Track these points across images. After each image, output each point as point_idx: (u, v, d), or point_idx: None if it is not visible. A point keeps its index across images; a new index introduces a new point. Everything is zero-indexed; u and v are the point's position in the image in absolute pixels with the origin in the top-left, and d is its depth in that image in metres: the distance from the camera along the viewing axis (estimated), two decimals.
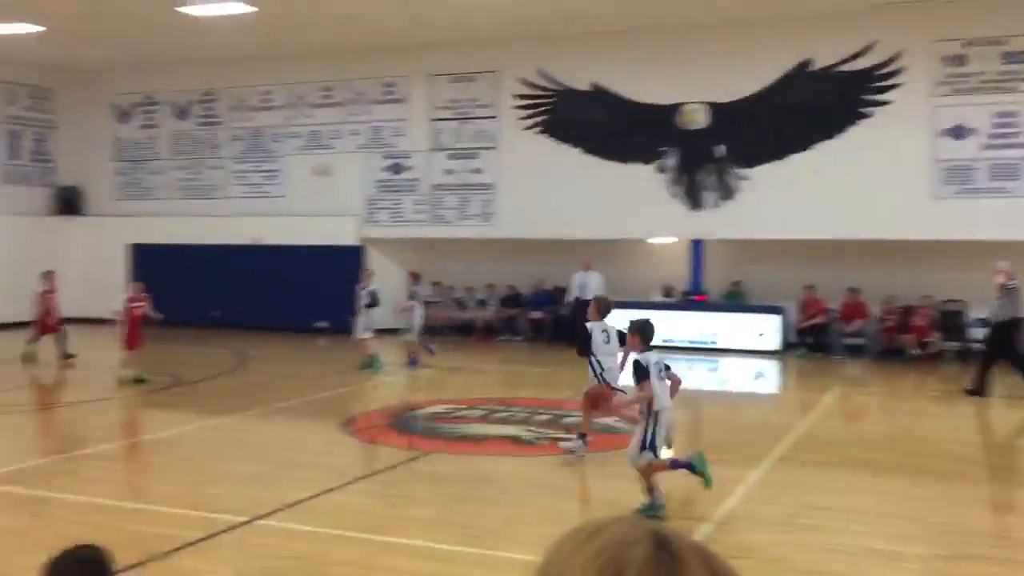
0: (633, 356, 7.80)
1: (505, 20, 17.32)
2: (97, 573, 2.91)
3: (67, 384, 14.49)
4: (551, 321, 19.31)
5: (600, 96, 18.50)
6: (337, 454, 9.67)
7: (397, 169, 20.21)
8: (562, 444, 9.67)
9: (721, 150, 17.79)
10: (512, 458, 9.50)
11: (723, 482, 8.53)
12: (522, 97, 19.07)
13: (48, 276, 16.41)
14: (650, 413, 7.39)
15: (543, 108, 19.02)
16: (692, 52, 17.74)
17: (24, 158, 22.13)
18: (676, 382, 7.74)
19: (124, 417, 12.26)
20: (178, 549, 6.48)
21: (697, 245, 18.49)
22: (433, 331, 20.03)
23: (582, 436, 9.35)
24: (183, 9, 16.24)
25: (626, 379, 8.39)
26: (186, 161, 22.15)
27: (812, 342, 17.38)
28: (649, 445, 7.34)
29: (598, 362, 9.28)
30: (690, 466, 7.49)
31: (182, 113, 22.09)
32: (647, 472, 7.37)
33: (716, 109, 17.74)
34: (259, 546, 6.73)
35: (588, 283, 18.48)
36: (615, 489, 8.35)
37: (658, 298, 18.69)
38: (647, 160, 18.24)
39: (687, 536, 1.02)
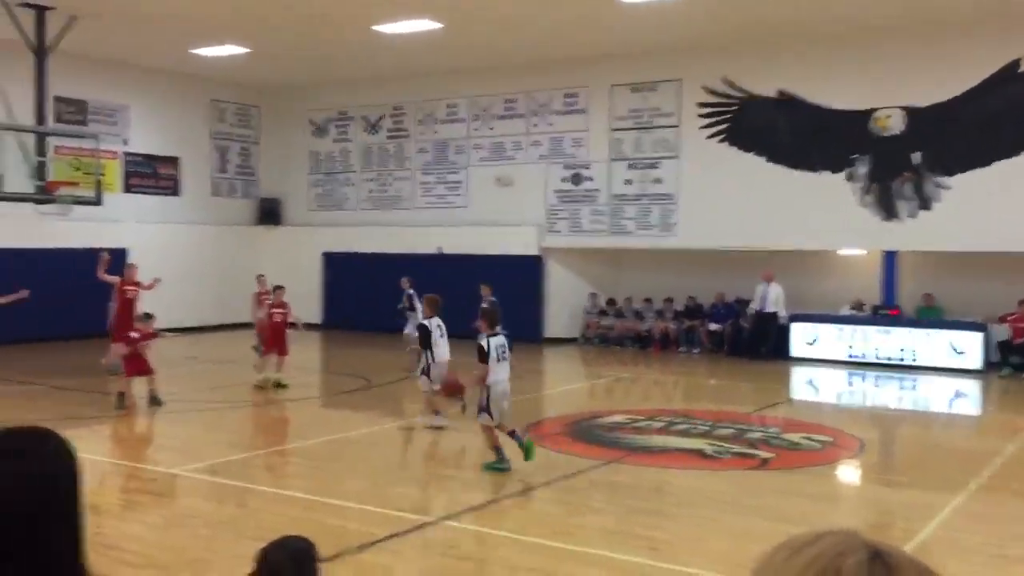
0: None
1: (688, 28, 17.12)
2: (305, 563, 3.08)
3: (269, 384, 15.33)
4: (731, 333, 18.88)
5: (787, 103, 17.97)
6: (517, 460, 9.80)
7: (577, 179, 20.34)
8: (427, 426, 11.06)
9: (916, 157, 16.89)
10: (693, 471, 9.35)
11: (921, 507, 8.10)
12: (705, 105, 18.78)
13: (259, 280, 17.15)
14: (484, 385, 8.99)
15: (726, 116, 18.65)
16: (886, 55, 16.94)
17: (230, 171, 23.75)
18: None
19: (318, 416, 12.91)
20: (368, 545, 6.75)
21: (890, 257, 17.61)
22: (609, 340, 20.02)
23: (437, 412, 11.11)
24: (377, 27, 16.99)
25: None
26: (375, 173, 23.13)
27: (1018, 362, 16.18)
28: (484, 409, 9.02)
29: (431, 353, 11.13)
30: (519, 439, 9.05)
31: (373, 127, 23.10)
32: (489, 434, 9.06)
33: (913, 114, 16.86)
34: (444, 547, 6.92)
35: (768, 295, 17.99)
36: (798, 506, 8.08)
37: (847, 312, 17.92)
38: (837, 168, 17.55)
39: (903, 550, 1.01)
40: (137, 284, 14.89)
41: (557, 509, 7.99)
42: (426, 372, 11.24)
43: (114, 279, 14.90)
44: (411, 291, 16.54)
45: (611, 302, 20.56)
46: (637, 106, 19.58)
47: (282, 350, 14.26)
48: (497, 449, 9.03)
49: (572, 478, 8.97)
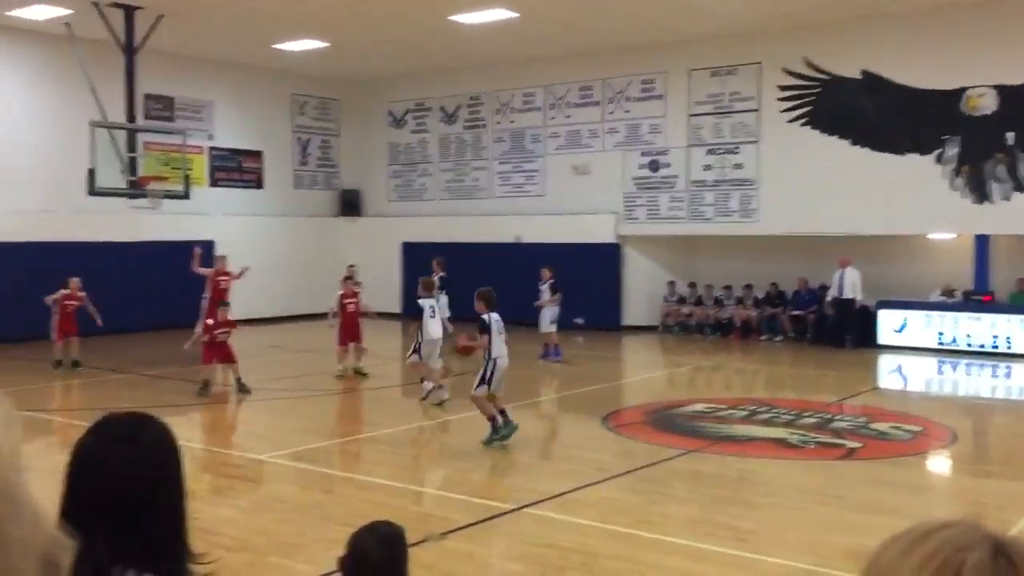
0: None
1: (769, 9, 16.78)
2: (395, 547, 3.14)
3: (348, 373, 15.58)
4: (814, 320, 18.51)
5: (871, 83, 17.48)
6: (598, 448, 9.80)
7: (655, 166, 20.15)
8: (428, 398, 11.96)
9: (1010, 137, 16.27)
10: (777, 460, 9.21)
11: (1016, 498, 7.85)
12: (786, 88, 18.39)
13: (348, 269, 17.23)
14: (489, 358, 9.55)
15: (808, 99, 18.24)
16: (977, 32, 16.34)
17: (311, 164, 24.17)
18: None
19: (399, 404, 13.08)
20: (451, 531, 6.82)
21: (982, 241, 17.02)
22: (689, 328, 19.84)
23: (440, 386, 12.02)
24: (453, 17, 17.07)
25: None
26: (453, 163, 23.28)
27: None
28: (486, 381, 9.50)
29: (420, 331, 12.08)
30: (507, 423, 9.46)
31: (450, 117, 23.23)
32: (483, 405, 9.51)
33: (1006, 93, 16.23)
34: (526, 534, 6.95)
35: (845, 280, 17.61)
36: (887, 496, 7.89)
37: (937, 298, 17.40)
38: (925, 150, 17.02)
39: None
40: (228, 274, 15.32)
41: (639, 498, 7.96)
42: (417, 350, 12.12)
43: (207, 271, 15.36)
44: (443, 273, 17.15)
45: (692, 285, 20.29)
46: (716, 91, 19.29)
47: (357, 338, 14.41)
48: (493, 419, 9.48)
49: (653, 467, 8.92)
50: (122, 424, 1.82)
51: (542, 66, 21.19)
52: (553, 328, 15.98)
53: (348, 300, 14.51)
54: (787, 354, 17.61)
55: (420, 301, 12.35)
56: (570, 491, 7.95)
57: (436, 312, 12.31)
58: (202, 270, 15.38)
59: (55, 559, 0.58)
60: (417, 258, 22.99)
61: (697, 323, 19.87)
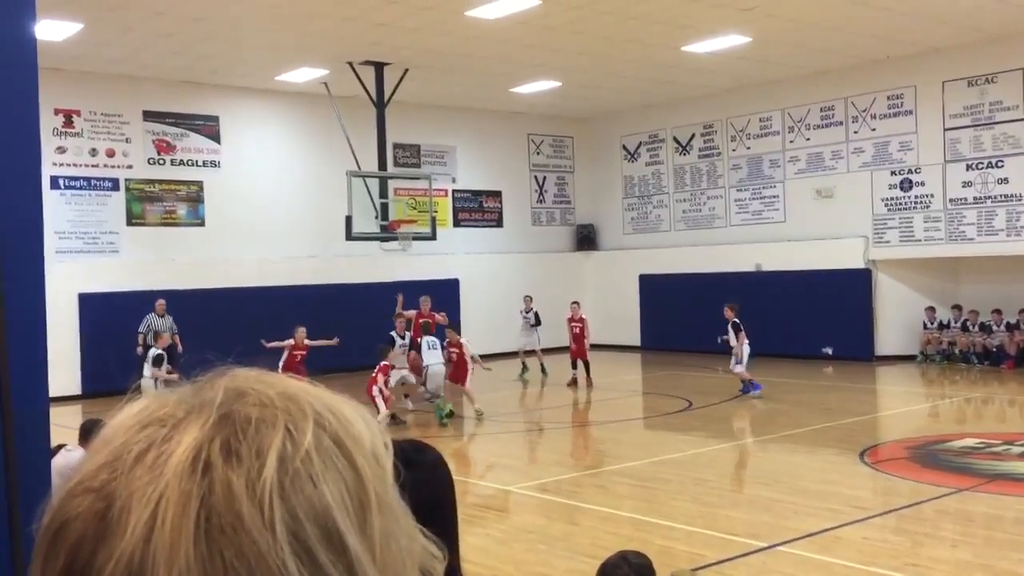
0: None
1: None
2: None
3: (594, 405, 15.68)
4: None
5: None
6: (854, 485, 9.24)
7: (906, 185, 18.95)
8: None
9: None
10: None
11: None
12: None
13: (572, 306, 17.81)
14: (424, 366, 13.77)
15: None
16: None
17: (548, 201, 24.71)
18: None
19: (642, 437, 12.98)
20: (700, 568, 6.64)
21: None
22: (953, 357, 18.40)
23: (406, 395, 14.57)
24: (687, 49, 16.96)
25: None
26: (688, 193, 23.01)
27: None
28: (423, 383, 13.76)
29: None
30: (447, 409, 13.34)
31: (684, 147, 23.02)
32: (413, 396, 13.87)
33: None
34: (781, 574, 6.65)
35: None
36: None
37: None
38: None
39: None
40: (432, 316, 15.66)
41: (903, 539, 7.41)
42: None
43: (411, 313, 16.02)
44: (534, 308, 19.26)
45: (956, 308, 18.72)
46: (974, 101, 17.91)
47: (582, 354, 16.74)
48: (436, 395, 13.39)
49: (918, 507, 8.30)
50: (400, 450, 1.89)
51: (778, 89, 20.58)
52: (739, 367, 15.03)
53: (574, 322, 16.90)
54: None
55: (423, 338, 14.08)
56: (827, 530, 7.54)
57: (433, 346, 13.93)
58: (407, 313, 16.04)
59: (430, 570, 0.58)
60: (655, 290, 22.89)
61: (962, 351, 18.37)
